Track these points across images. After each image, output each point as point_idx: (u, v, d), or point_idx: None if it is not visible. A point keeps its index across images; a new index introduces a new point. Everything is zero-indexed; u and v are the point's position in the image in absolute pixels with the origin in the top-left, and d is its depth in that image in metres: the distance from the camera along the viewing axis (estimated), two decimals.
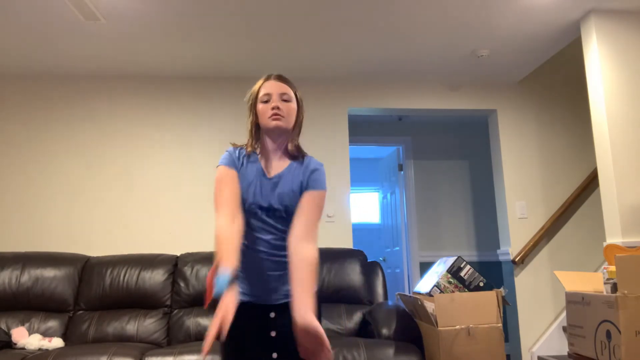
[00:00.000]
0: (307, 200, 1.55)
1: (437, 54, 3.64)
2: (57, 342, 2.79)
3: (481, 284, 2.76)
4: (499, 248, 4.42)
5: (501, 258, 4.05)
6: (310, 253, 1.45)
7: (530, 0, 2.94)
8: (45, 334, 2.95)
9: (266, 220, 1.56)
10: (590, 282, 2.34)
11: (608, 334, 2.03)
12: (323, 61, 3.71)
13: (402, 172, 5.10)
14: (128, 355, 2.49)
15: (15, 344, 2.79)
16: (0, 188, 3.64)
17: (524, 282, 3.88)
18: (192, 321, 3.01)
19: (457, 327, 2.59)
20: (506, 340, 4.10)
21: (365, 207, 6.82)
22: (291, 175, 1.59)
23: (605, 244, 2.67)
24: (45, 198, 3.65)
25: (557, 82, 4.23)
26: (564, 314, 3.79)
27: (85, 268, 3.20)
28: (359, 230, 6.47)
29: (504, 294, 2.70)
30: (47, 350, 2.63)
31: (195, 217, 3.72)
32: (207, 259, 3.21)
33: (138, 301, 3.10)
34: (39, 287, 3.07)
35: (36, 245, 3.57)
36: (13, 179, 3.66)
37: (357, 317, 3.10)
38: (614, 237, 2.90)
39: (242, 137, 1.71)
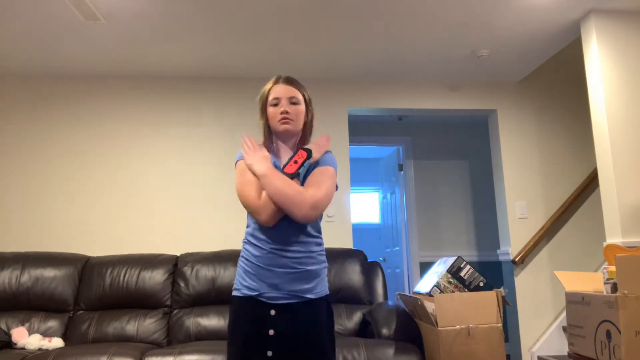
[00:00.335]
0: (315, 171, 1.62)
1: (437, 54, 3.64)
2: (57, 342, 2.79)
3: (481, 284, 2.76)
4: (499, 248, 4.42)
5: (501, 258, 4.05)
6: (307, 191, 1.54)
7: (530, 0, 2.94)
8: (45, 334, 2.95)
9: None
10: (590, 282, 2.34)
11: (608, 334, 2.03)
12: (323, 61, 3.71)
13: (402, 172, 5.10)
14: (128, 355, 2.49)
15: (15, 344, 2.78)
16: (0, 188, 3.64)
17: (524, 282, 3.88)
18: (192, 321, 3.01)
19: (457, 327, 2.59)
20: (506, 340, 4.10)
21: (365, 207, 6.82)
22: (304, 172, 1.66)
23: (605, 244, 2.67)
24: (45, 198, 3.65)
25: (557, 82, 4.23)
26: (564, 314, 3.79)
27: (85, 268, 3.20)
28: (359, 230, 6.47)
29: (504, 294, 2.70)
30: (47, 350, 2.63)
31: (195, 217, 3.72)
32: (207, 259, 3.21)
33: (138, 301, 3.10)
34: (39, 287, 3.07)
35: (36, 245, 3.57)
36: (13, 179, 3.66)
37: (357, 317, 3.10)
38: (614, 237, 2.90)
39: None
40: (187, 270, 3.16)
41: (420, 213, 4.99)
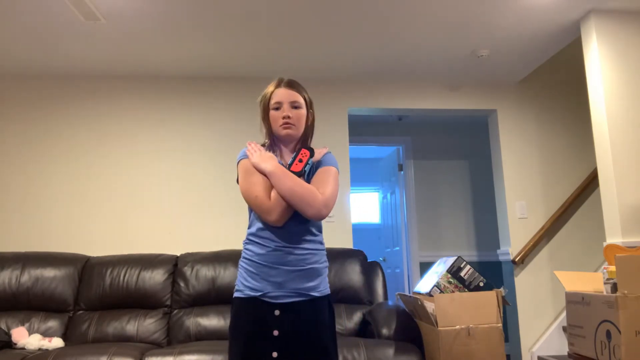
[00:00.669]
0: (319, 171, 1.64)
1: (437, 54, 3.64)
2: (57, 342, 2.79)
3: (481, 284, 2.76)
4: (499, 248, 4.42)
5: (501, 258, 4.05)
6: (317, 189, 1.56)
7: (530, 0, 2.94)
8: (45, 334, 2.95)
9: None
10: (590, 282, 2.34)
11: (608, 334, 2.03)
12: (323, 61, 3.71)
13: (402, 172, 5.10)
14: (128, 355, 2.49)
15: (15, 344, 2.78)
16: (0, 188, 3.64)
17: (524, 282, 3.88)
18: (192, 321, 3.01)
19: (457, 327, 2.59)
20: (506, 340, 4.10)
21: (365, 207, 6.82)
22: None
23: (605, 244, 2.67)
24: (45, 198, 3.65)
25: (557, 82, 4.23)
26: (564, 314, 3.79)
27: (85, 268, 3.20)
28: (359, 230, 6.47)
29: (504, 294, 2.70)
30: (47, 350, 2.63)
31: (195, 217, 3.72)
32: (207, 259, 3.21)
33: (138, 301, 3.09)
34: (39, 287, 3.07)
35: (36, 245, 3.57)
36: (13, 179, 3.66)
37: (357, 317, 3.10)
38: (614, 237, 2.90)
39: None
40: (187, 270, 3.16)
41: (420, 213, 4.99)
